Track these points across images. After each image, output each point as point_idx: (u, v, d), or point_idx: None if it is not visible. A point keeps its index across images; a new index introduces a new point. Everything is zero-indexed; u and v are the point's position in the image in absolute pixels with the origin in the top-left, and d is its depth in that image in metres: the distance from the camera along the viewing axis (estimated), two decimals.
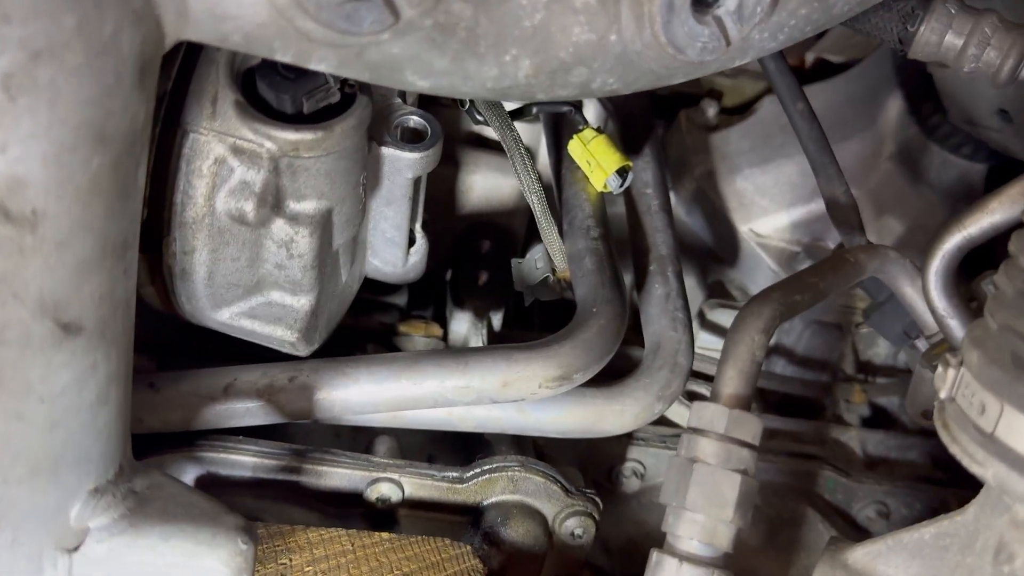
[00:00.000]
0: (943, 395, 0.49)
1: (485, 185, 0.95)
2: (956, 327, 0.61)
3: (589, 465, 0.88)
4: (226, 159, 0.57)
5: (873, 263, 0.64)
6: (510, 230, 0.96)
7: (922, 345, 0.70)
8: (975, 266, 0.71)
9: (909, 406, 0.76)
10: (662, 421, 0.86)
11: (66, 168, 0.40)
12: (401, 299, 0.92)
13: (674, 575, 0.52)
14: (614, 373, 0.74)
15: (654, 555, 0.53)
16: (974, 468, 0.47)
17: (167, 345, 0.74)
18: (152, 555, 0.50)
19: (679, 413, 0.90)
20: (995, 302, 0.49)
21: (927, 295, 0.60)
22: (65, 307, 0.43)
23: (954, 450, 0.48)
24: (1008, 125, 0.83)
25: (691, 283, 1.04)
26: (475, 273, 0.92)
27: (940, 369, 0.49)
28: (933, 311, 0.60)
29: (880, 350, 1.02)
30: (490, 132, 1.00)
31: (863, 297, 0.97)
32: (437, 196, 0.93)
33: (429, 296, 0.94)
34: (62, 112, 0.39)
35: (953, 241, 0.59)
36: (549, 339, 0.69)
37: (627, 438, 0.89)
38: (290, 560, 0.61)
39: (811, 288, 0.59)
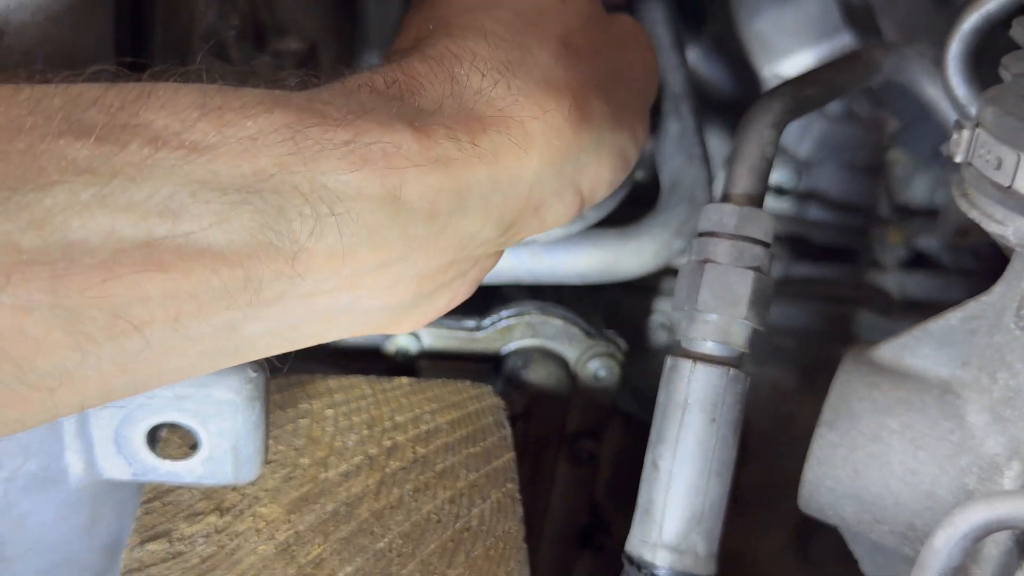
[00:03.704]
0: (959, 159, 0.46)
1: None
2: None
3: (614, 325, 0.86)
4: None
5: (890, 60, 0.60)
6: None
7: None
8: None
9: (941, 228, 0.73)
10: None
11: None
12: None
13: (688, 375, 0.50)
14: None
15: (668, 360, 0.52)
16: (993, 228, 0.44)
17: None
18: (161, 387, 0.50)
19: None
20: (1010, 57, 0.46)
21: (946, 84, 0.56)
22: None
23: (973, 215, 0.45)
24: None
25: (715, 142, 1.01)
26: None
27: (955, 135, 0.47)
28: (954, 100, 0.56)
29: (916, 192, 0.98)
30: None
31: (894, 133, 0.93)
32: None
33: None
34: None
35: (971, 21, 0.54)
36: None
37: (652, 292, 0.87)
38: (311, 405, 0.61)
39: (824, 83, 0.56)
